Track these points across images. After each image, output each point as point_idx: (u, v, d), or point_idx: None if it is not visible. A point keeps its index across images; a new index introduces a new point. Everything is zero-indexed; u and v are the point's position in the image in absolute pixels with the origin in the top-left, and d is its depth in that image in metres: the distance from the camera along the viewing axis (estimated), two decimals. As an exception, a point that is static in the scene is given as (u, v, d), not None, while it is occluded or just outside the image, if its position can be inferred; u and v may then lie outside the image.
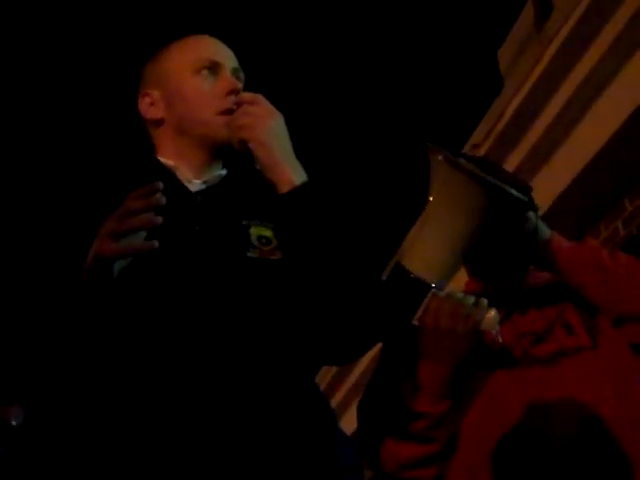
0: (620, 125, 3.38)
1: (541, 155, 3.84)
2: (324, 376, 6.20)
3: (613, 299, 1.89)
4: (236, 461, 1.45)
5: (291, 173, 1.62)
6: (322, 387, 6.08)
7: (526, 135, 3.90)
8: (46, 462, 1.50)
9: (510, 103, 3.94)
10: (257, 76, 1.84)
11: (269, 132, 1.64)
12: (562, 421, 1.83)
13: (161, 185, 1.39)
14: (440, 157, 1.78)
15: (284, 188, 1.62)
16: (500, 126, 3.99)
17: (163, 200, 1.38)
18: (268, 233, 1.65)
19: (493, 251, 1.96)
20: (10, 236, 1.65)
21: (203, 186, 1.70)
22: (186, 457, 1.43)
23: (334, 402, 6.08)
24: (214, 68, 1.72)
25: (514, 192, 1.77)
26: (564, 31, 3.56)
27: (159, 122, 1.72)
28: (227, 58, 1.76)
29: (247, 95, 1.69)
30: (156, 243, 1.39)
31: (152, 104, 1.73)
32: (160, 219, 1.38)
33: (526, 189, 1.86)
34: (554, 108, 3.71)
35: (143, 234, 1.41)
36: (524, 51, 3.99)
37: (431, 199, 1.83)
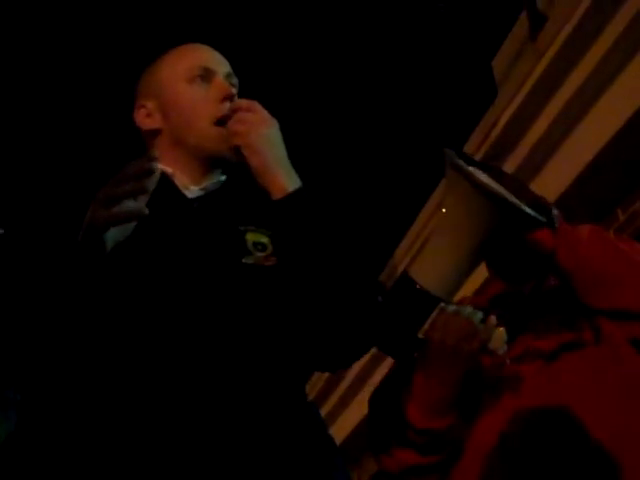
0: (613, 135, 3.39)
1: (534, 164, 3.84)
2: (316, 382, 6.20)
3: (596, 293, 1.84)
4: (227, 468, 1.45)
5: (284, 180, 1.63)
6: (314, 393, 6.07)
7: (519, 144, 3.91)
8: (42, 462, 1.50)
9: (504, 112, 3.95)
10: (252, 82, 1.84)
11: (263, 139, 1.65)
12: (550, 429, 1.80)
13: (156, 156, 1.44)
14: (455, 171, 1.75)
15: (277, 195, 1.63)
16: (494, 135, 4.00)
17: (155, 166, 1.42)
18: (264, 239, 1.65)
19: (513, 254, 1.90)
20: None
21: (201, 192, 1.71)
22: (180, 465, 1.44)
23: (327, 407, 6.07)
24: (207, 75, 1.73)
25: (529, 211, 1.74)
26: (558, 41, 3.57)
27: (156, 132, 1.73)
28: (219, 64, 1.77)
29: (243, 102, 1.70)
30: (146, 210, 1.42)
31: (148, 115, 1.74)
32: (151, 183, 1.42)
33: (545, 207, 1.82)
34: (548, 117, 3.72)
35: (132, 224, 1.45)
36: (518, 61, 4.00)
37: (444, 211, 1.81)
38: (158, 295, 1.54)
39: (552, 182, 3.73)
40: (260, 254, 1.63)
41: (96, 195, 1.44)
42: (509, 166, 3.92)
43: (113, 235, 1.45)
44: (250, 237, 1.65)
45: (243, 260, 1.61)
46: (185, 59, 1.76)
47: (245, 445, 1.48)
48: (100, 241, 1.44)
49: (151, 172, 1.41)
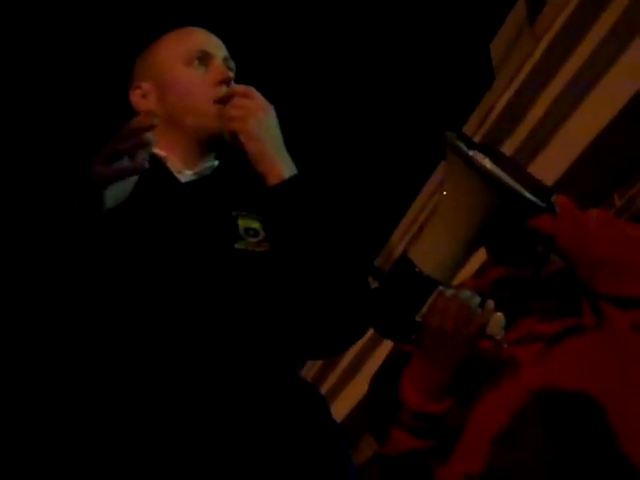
0: (611, 120, 3.39)
1: (531, 148, 3.85)
2: (312, 366, 6.21)
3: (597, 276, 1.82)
4: (229, 458, 1.45)
5: (281, 166, 1.63)
6: (310, 377, 6.09)
7: (517, 128, 3.91)
8: (41, 461, 1.50)
9: (501, 97, 3.95)
10: (249, 68, 1.84)
11: (260, 125, 1.64)
12: (563, 411, 1.80)
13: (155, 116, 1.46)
14: (455, 155, 1.74)
15: (273, 181, 1.63)
16: (491, 120, 4.00)
17: (156, 121, 1.45)
18: (256, 225, 1.65)
19: (514, 239, 1.89)
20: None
21: (194, 177, 1.70)
22: (178, 456, 1.44)
23: (323, 390, 6.10)
24: (204, 58, 1.72)
25: (529, 196, 1.73)
26: (556, 25, 3.57)
27: None
28: (217, 48, 1.76)
29: (239, 87, 1.70)
30: (146, 163, 1.44)
31: (144, 96, 1.73)
32: (152, 137, 1.44)
33: (546, 192, 1.80)
34: (545, 102, 3.72)
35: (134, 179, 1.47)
36: (516, 44, 3.99)
37: (444, 194, 1.80)
38: (149, 281, 1.53)
39: (549, 166, 3.73)
40: (252, 240, 1.62)
41: (97, 153, 1.44)
42: (506, 150, 3.92)
43: (113, 193, 1.46)
44: (242, 222, 1.64)
45: (235, 246, 1.61)
46: (183, 41, 1.75)
47: (248, 435, 1.47)
48: (99, 199, 1.44)
49: (152, 126, 1.43)
